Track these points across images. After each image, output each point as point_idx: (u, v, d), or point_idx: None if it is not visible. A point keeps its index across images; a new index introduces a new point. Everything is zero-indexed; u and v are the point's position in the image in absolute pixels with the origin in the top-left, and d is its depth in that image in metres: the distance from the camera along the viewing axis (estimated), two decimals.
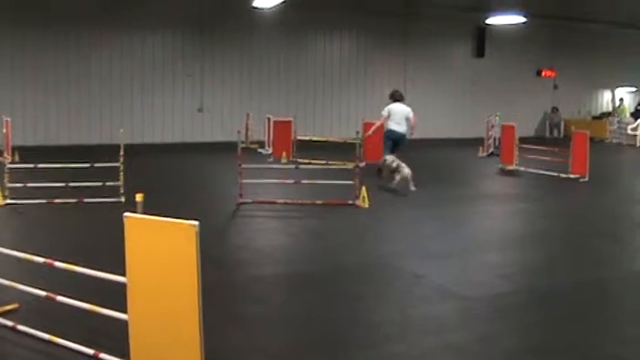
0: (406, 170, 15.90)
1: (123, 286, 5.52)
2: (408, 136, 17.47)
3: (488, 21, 29.41)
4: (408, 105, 17.45)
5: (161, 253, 5.27)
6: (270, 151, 22.54)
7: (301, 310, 7.88)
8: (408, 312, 7.82)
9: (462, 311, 7.87)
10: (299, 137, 21.76)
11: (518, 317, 7.83)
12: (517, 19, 27.70)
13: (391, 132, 17.28)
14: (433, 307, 7.97)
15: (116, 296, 5.76)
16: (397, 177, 15.98)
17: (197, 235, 5.11)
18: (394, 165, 16.12)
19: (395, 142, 17.25)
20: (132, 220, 5.39)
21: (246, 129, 25.28)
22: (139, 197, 6.03)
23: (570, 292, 8.84)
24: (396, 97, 17.67)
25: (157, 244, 5.28)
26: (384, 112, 17.36)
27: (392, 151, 16.99)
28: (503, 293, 8.59)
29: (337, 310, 7.81)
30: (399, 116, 17.28)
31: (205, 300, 7.69)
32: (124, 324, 5.58)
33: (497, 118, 25.41)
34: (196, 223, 5.08)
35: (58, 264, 6.40)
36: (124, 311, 5.56)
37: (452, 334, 7.14)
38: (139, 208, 5.90)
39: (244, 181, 13.95)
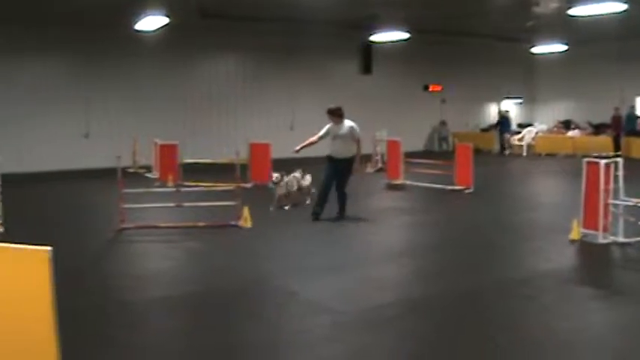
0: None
1: None
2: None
3: (373, 38, 29.66)
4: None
5: (16, 281, 5.01)
6: (157, 175, 22.31)
7: (173, 334, 7.81)
8: (280, 330, 7.81)
9: (335, 325, 7.89)
10: (185, 160, 21.58)
11: (392, 329, 7.89)
12: (401, 35, 28.01)
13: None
14: (305, 323, 7.98)
15: None
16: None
17: (50, 262, 4.86)
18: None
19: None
20: None
21: (134, 153, 25.00)
22: None
23: (446, 300, 8.99)
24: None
25: (12, 271, 5.01)
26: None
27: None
28: (378, 306, 8.66)
29: (210, 332, 7.74)
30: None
31: (78, 326, 7.57)
32: None
33: (383, 133, 25.68)
34: (49, 248, 4.86)
35: None
36: None
37: (323, 349, 7.17)
38: None
39: (126, 206, 13.76)
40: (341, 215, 15.18)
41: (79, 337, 7.13)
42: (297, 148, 15.13)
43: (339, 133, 14.96)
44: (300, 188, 16.92)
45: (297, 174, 17.05)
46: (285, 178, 16.52)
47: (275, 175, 16.40)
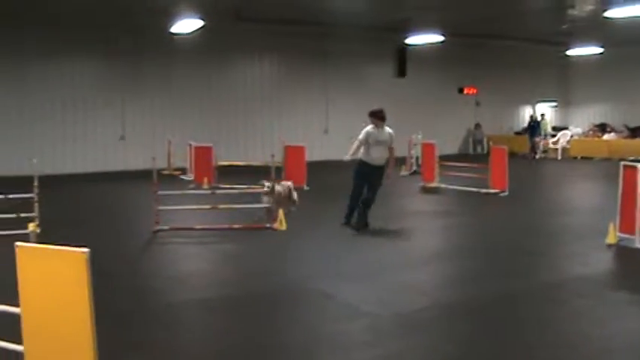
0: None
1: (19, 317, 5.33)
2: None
3: (408, 41, 29.62)
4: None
5: (53, 282, 5.06)
6: (192, 177, 22.43)
7: (209, 335, 7.84)
8: (316, 333, 7.82)
9: (372, 329, 7.89)
10: (220, 162, 21.67)
11: (429, 333, 7.88)
12: (435, 38, 27.97)
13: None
14: (341, 326, 7.98)
15: (12, 328, 5.59)
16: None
17: (87, 263, 4.90)
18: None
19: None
20: (23, 249, 5.19)
21: (169, 155, 25.15)
22: (31, 227, 5.93)
23: (482, 304, 8.95)
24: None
25: (49, 273, 5.06)
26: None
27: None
28: (414, 309, 8.65)
29: (246, 334, 7.77)
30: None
31: (115, 328, 7.63)
32: (20, 356, 5.43)
33: (418, 136, 25.64)
34: (86, 250, 4.90)
35: None
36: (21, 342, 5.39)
37: (359, 353, 7.16)
38: (32, 237, 5.81)
39: (161, 207, 13.83)
40: (361, 221, 14.31)
41: (116, 338, 7.19)
42: (348, 157, 14.14)
43: (380, 139, 13.96)
44: (285, 197, 15.68)
45: (290, 183, 16.40)
46: (277, 187, 15.31)
47: (267, 184, 15.05)
